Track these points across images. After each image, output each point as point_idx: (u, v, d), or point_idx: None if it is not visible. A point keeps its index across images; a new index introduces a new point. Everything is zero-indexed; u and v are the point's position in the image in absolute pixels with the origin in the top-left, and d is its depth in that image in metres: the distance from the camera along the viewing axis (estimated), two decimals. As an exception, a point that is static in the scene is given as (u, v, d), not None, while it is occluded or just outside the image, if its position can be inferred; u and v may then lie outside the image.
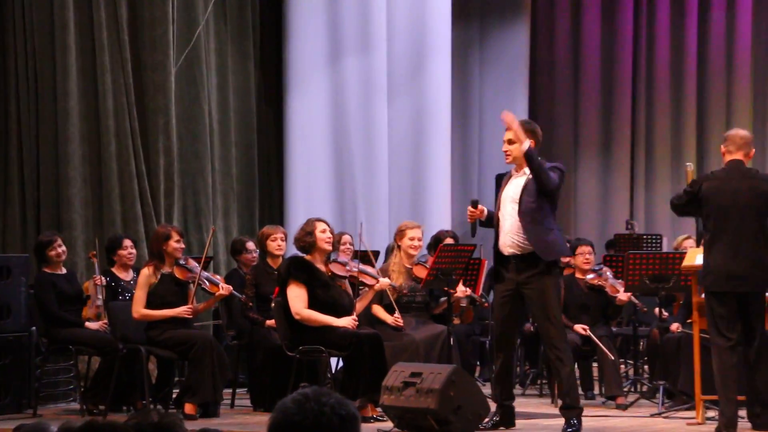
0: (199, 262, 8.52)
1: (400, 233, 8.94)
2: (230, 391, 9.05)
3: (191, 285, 8.42)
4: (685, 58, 14.37)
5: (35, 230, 9.65)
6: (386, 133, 11.80)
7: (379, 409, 7.68)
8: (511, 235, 7.34)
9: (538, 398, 9.71)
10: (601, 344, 9.00)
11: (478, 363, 10.73)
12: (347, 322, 7.96)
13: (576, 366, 9.33)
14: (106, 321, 8.72)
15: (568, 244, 8.53)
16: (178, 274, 8.39)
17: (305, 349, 7.99)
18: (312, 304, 8.00)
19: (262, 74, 11.89)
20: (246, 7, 11.62)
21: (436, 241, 9.61)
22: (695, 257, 7.78)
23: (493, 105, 13.79)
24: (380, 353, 7.93)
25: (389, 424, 7.41)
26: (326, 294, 8.04)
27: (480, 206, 7.50)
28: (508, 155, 7.42)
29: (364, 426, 7.33)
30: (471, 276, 9.14)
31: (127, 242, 9.08)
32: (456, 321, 9.51)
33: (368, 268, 8.50)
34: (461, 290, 8.89)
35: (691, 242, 9.73)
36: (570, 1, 14.68)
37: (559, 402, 7.71)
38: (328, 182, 11.65)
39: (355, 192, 11.69)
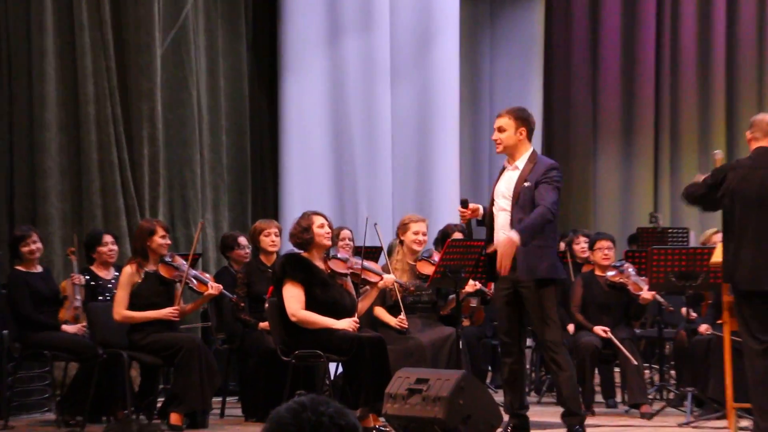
0: (186, 260, 8.50)
1: (402, 227, 8.95)
2: (220, 399, 9.03)
3: (178, 284, 8.40)
4: (713, 36, 14.36)
5: (8, 225, 9.63)
6: (389, 120, 11.84)
7: (381, 419, 7.65)
8: (504, 231, 7.29)
9: (555, 406, 9.63)
10: (623, 347, 8.98)
11: (489, 368, 10.74)
12: (347, 324, 7.94)
13: (596, 371, 9.33)
14: (84, 324, 8.69)
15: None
16: (163, 272, 8.36)
17: (302, 353, 7.95)
18: (309, 305, 7.97)
19: (254, 56, 11.93)
20: (237, -16, 11.65)
21: (443, 236, 9.62)
22: (725, 252, 7.72)
23: (504, 89, 13.82)
24: (383, 358, 7.90)
25: (393, 436, 7.36)
26: (325, 293, 8.02)
27: (473, 205, 7.52)
28: (499, 144, 7.41)
29: (364, 438, 7.25)
30: (482, 273, 9.07)
31: (108, 238, 9.05)
32: (465, 322, 9.51)
33: (371, 265, 8.49)
34: (470, 284, 8.86)
35: (720, 236, 9.65)
36: (588, -24, 14.68)
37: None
38: (327, 173, 11.67)
39: (355, 183, 11.70)
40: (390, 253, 9.25)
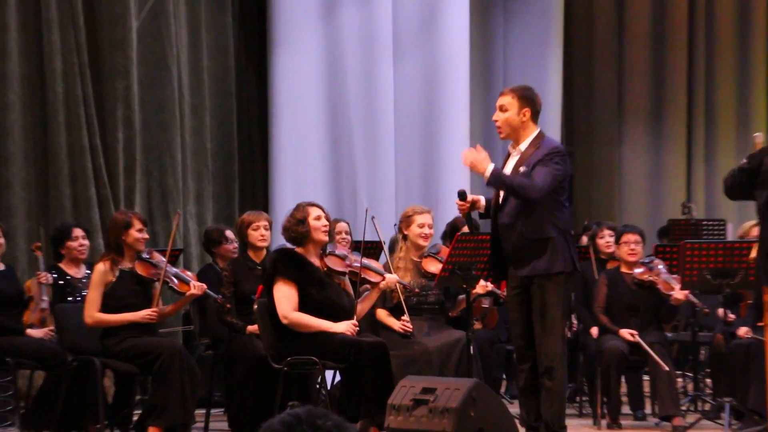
0: (165, 256, 8.47)
1: (406, 220, 8.96)
2: (204, 412, 9.02)
3: (156, 283, 8.41)
4: (752, 5, 14.33)
5: (-33, 218, 9.63)
6: (392, 100, 11.89)
7: (384, 433, 7.60)
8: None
9: (577, 419, 9.72)
10: (652, 353, 8.96)
11: (504, 376, 10.76)
12: (346, 327, 7.95)
13: (622, 379, 9.31)
14: (52, 327, 8.70)
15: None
16: (140, 270, 8.37)
17: (295, 360, 7.94)
18: (303, 306, 7.97)
19: (241, 29, 11.94)
20: (222, -52, 11.68)
21: (452, 230, 9.67)
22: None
23: (520, 65, 13.84)
24: (385, 365, 7.90)
25: (396, 451, 7.34)
26: (321, 293, 8.03)
27: (472, 196, 7.54)
28: (499, 127, 7.50)
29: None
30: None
31: (78, 232, 9.06)
32: (477, 325, 9.52)
33: (372, 263, 8.49)
34: (481, 285, 8.87)
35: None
36: (613, -61, 14.70)
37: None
38: (322, 159, 11.72)
39: (354, 171, 11.74)
40: (392, 249, 9.24)
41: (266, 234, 8.97)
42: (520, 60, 14.03)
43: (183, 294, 8.48)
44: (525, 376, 7.50)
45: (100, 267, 8.30)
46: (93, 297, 8.25)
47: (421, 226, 8.83)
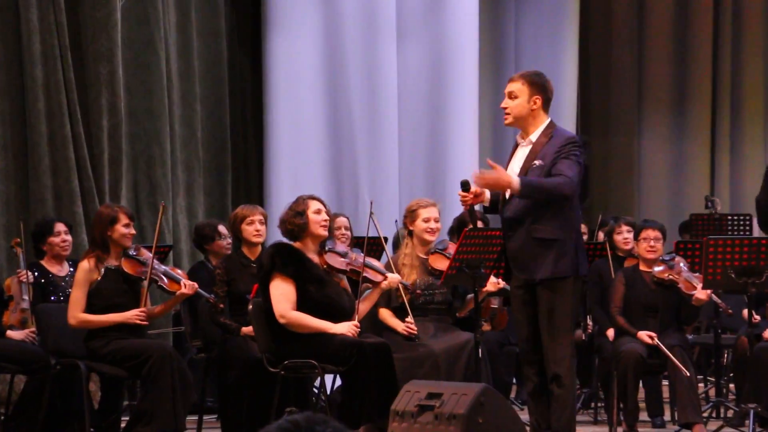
0: (151, 252, 8.48)
1: (410, 215, 8.90)
2: (195, 418, 9.02)
3: (144, 282, 8.40)
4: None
5: (-59, 213, 9.69)
6: (395, 86, 11.83)
7: (386, 440, 7.66)
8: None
9: (592, 425, 9.72)
10: (672, 356, 8.96)
11: (513, 380, 10.74)
12: (347, 328, 7.96)
13: (640, 384, 9.35)
14: (34, 329, 8.70)
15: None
16: (127, 268, 8.36)
17: (292, 363, 7.96)
18: (302, 305, 7.98)
19: (234, 9, 11.88)
20: None
21: (459, 225, 9.62)
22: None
23: (533, 49, 13.80)
24: (388, 368, 7.93)
25: (400, 460, 7.41)
26: (320, 292, 8.03)
27: (475, 188, 7.48)
28: (507, 114, 7.45)
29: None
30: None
31: (61, 227, 9.07)
32: (486, 326, 9.52)
33: (373, 261, 8.49)
34: (492, 282, 8.84)
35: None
36: None
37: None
38: (321, 149, 11.67)
39: (355, 162, 11.71)
40: (395, 245, 9.24)
41: (261, 229, 8.89)
42: (532, 43, 13.96)
43: (173, 293, 8.45)
44: (533, 381, 7.53)
45: (85, 265, 8.27)
46: (77, 296, 8.23)
47: (427, 220, 8.80)
